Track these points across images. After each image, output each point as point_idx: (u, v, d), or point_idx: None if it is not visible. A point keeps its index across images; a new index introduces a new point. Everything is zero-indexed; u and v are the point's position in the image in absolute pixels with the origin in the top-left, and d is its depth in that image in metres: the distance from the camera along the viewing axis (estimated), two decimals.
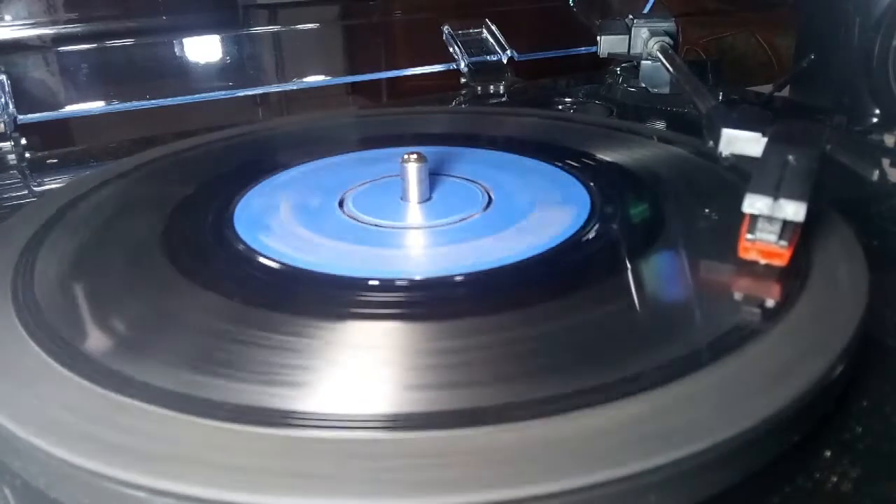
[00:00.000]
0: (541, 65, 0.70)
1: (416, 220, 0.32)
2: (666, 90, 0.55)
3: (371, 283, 0.27)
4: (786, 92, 0.59)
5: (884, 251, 0.33)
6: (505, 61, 0.67)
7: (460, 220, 0.32)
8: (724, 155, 0.30)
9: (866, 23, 0.51)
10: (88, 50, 0.57)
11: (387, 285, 0.27)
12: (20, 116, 0.53)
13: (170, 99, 0.58)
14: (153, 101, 0.57)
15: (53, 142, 0.54)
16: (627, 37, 0.55)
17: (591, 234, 0.30)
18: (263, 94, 0.66)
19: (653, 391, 0.20)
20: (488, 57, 0.67)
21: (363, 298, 0.26)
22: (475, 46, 0.67)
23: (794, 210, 0.25)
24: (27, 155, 0.50)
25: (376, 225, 0.31)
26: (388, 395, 0.21)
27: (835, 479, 0.20)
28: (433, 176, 0.35)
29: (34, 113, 0.53)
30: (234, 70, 0.63)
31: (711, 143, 0.31)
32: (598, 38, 0.57)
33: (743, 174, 0.29)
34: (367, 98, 0.73)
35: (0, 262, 0.29)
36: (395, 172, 0.34)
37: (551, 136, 0.44)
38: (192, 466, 0.18)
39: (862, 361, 0.23)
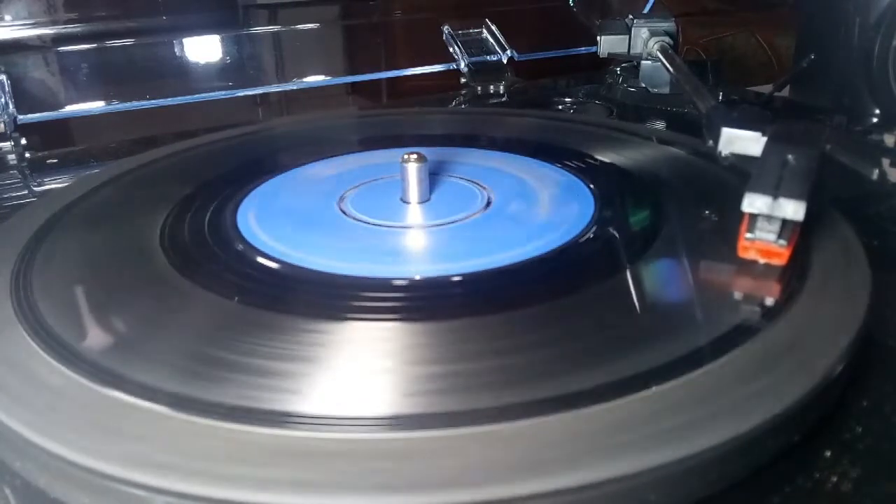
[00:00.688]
0: (541, 65, 0.70)
1: (416, 220, 0.32)
2: (666, 90, 0.55)
3: (371, 283, 0.27)
4: (786, 92, 0.59)
5: (884, 251, 0.33)
6: (505, 61, 0.67)
7: (460, 221, 0.32)
8: (723, 154, 0.30)
9: (866, 23, 0.51)
10: (88, 50, 0.57)
11: (386, 285, 0.27)
12: (20, 116, 0.53)
13: (170, 99, 0.58)
14: (153, 101, 0.57)
15: (53, 142, 0.54)
16: (627, 37, 0.56)
17: (591, 235, 0.30)
18: (263, 94, 0.66)
19: (652, 391, 0.20)
20: (488, 57, 0.67)
21: (363, 298, 0.26)
22: (475, 46, 0.67)
23: (794, 209, 0.25)
24: (27, 155, 0.50)
25: (376, 225, 0.31)
26: (387, 395, 0.21)
27: (835, 479, 0.20)
28: (433, 176, 0.35)
29: (34, 113, 0.54)
30: (234, 70, 0.63)
31: (711, 142, 0.31)
32: (598, 38, 0.57)
33: (742, 174, 0.29)
34: (367, 98, 0.73)
35: (0, 261, 0.29)
36: (394, 173, 0.34)
37: (551, 136, 0.44)
38: (192, 465, 0.18)
39: (862, 361, 0.23)
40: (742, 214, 0.26)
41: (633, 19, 0.55)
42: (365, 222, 0.32)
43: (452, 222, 0.31)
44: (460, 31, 0.68)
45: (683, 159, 0.38)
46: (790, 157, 0.27)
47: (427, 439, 0.19)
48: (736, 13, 0.88)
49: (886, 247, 0.33)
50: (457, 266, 0.27)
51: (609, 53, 0.57)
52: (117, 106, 0.56)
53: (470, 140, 0.43)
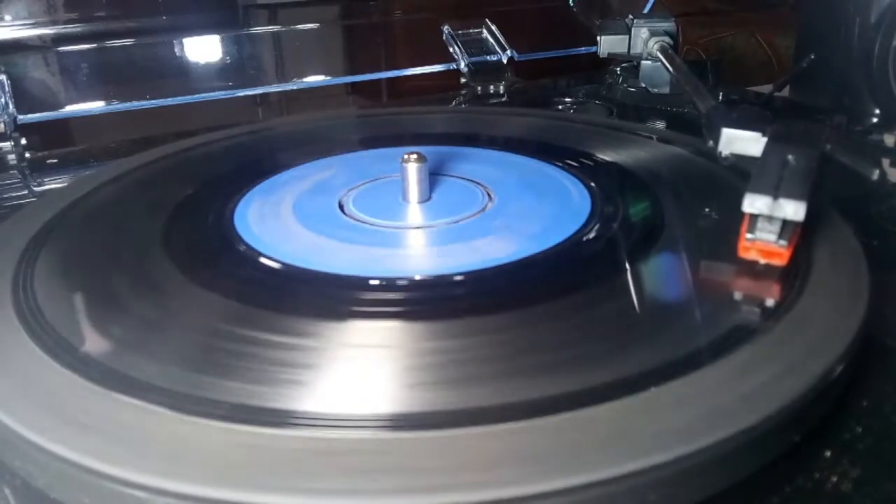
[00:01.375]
0: (541, 65, 0.70)
1: (416, 220, 0.32)
2: (666, 90, 0.55)
3: (371, 282, 0.27)
4: (786, 92, 0.59)
5: (884, 251, 0.33)
6: (505, 61, 0.67)
7: (460, 220, 0.32)
8: (723, 154, 0.30)
9: (866, 23, 0.51)
10: (88, 50, 0.57)
11: (387, 285, 0.27)
12: (20, 116, 0.53)
13: (170, 99, 0.58)
14: (153, 101, 0.57)
15: (53, 142, 0.54)
16: (627, 37, 0.56)
17: (591, 234, 0.30)
18: (263, 94, 0.66)
19: (652, 391, 0.20)
20: (488, 57, 0.67)
21: (363, 298, 0.26)
22: (475, 46, 0.67)
23: (794, 209, 0.25)
24: (27, 155, 0.50)
25: (376, 225, 0.31)
26: (387, 394, 0.21)
27: (835, 479, 0.20)
28: (433, 176, 0.35)
29: (34, 113, 0.53)
30: (234, 70, 0.63)
31: (711, 142, 0.31)
32: (598, 38, 0.57)
33: (743, 174, 0.29)
34: (367, 98, 0.73)
35: (0, 262, 0.29)
36: (395, 172, 0.34)
37: (551, 136, 0.44)
38: (192, 466, 0.18)
39: (862, 361, 0.23)
40: (742, 214, 0.26)
41: (633, 19, 0.55)
42: (365, 222, 0.32)
43: (452, 222, 0.31)
44: (460, 31, 0.68)
45: (684, 159, 0.38)
46: (790, 157, 0.27)
47: (427, 439, 0.19)
48: (736, 13, 0.88)
49: (886, 247, 0.33)
50: (457, 266, 0.27)
51: (609, 53, 0.57)
52: (117, 106, 0.56)
53: (470, 140, 0.43)
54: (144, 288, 0.27)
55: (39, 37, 0.56)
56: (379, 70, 0.70)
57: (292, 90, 0.66)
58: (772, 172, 0.26)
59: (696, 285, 0.27)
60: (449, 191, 0.35)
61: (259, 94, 0.65)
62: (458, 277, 0.27)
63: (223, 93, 0.61)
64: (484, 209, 0.33)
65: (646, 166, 0.37)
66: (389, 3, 0.71)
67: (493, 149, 0.41)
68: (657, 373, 0.21)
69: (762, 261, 0.26)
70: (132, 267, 0.29)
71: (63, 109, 0.56)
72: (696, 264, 0.28)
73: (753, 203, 0.26)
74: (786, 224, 0.26)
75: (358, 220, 0.32)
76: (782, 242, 0.26)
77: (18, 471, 0.20)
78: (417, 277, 0.27)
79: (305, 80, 0.65)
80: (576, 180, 0.35)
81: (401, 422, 0.20)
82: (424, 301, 0.26)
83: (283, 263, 0.28)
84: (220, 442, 0.19)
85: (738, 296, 0.26)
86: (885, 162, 0.44)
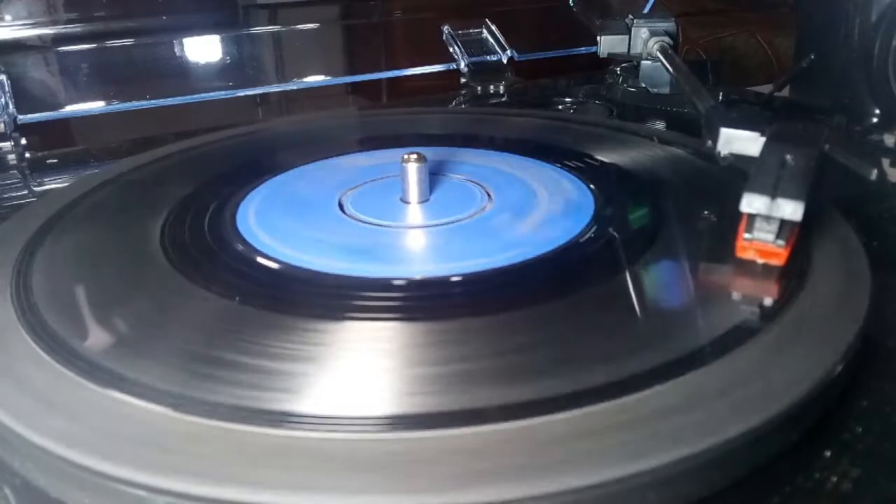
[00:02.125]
0: (541, 65, 0.70)
1: (416, 220, 0.32)
2: (666, 90, 0.55)
3: (370, 283, 0.27)
4: (786, 92, 0.59)
5: (884, 251, 0.33)
6: (505, 61, 0.67)
7: (460, 221, 0.32)
8: (722, 154, 0.30)
9: (866, 23, 0.51)
10: (88, 50, 0.57)
11: (386, 285, 0.27)
12: (20, 116, 0.53)
13: (170, 99, 0.58)
14: (153, 101, 0.57)
15: (53, 142, 0.54)
16: (627, 37, 0.55)
17: (591, 235, 0.30)
18: (263, 94, 0.66)
19: (652, 391, 0.20)
20: (488, 57, 0.67)
21: (363, 298, 0.26)
22: (475, 46, 0.67)
23: (792, 209, 0.25)
24: (27, 155, 0.50)
25: (376, 225, 0.31)
26: (386, 395, 0.21)
27: (835, 479, 0.20)
28: (433, 176, 0.35)
29: (34, 113, 0.53)
30: (234, 70, 0.63)
31: (710, 142, 0.31)
32: (598, 38, 0.57)
33: (742, 174, 0.29)
34: (367, 98, 0.73)
35: (0, 261, 0.29)
36: (394, 173, 0.34)
37: (551, 136, 0.44)
38: (192, 465, 0.18)
39: (862, 361, 0.23)
40: (740, 214, 0.26)
41: (633, 19, 0.55)
42: (365, 222, 0.32)
43: (452, 222, 0.31)
44: (460, 31, 0.68)
45: (683, 159, 0.38)
46: (788, 157, 0.27)
47: (426, 439, 0.19)
48: (736, 13, 0.88)
49: (886, 247, 0.33)
50: (456, 266, 0.27)
51: (609, 53, 0.57)
52: (117, 106, 0.56)
53: (470, 140, 0.43)
54: (144, 288, 0.27)
55: (39, 37, 0.56)
56: (379, 70, 0.70)
57: (292, 90, 0.66)
58: (770, 172, 0.26)
59: (694, 285, 0.27)
60: (449, 191, 0.35)
61: (259, 94, 0.65)
62: (457, 278, 0.27)
63: (223, 93, 0.61)
64: (483, 209, 0.33)
65: (645, 166, 0.37)
66: (389, 3, 0.71)
67: (493, 149, 0.41)
68: (657, 373, 0.21)
69: (760, 261, 0.26)
70: (132, 267, 0.29)
71: (63, 109, 0.56)
72: (694, 264, 0.28)
73: (751, 203, 0.26)
74: (784, 224, 0.26)
75: (358, 220, 0.32)
76: (780, 242, 0.26)
77: (18, 471, 0.20)
78: (417, 278, 0.27)
79: (305, 80, 0.65)
80: (576, 181, 0.35)
81: (400, 422, 0.20)
82: (423, 301, 0.26)
83: (282, 263, 0.28)
84: (220, 442, 0.19)
85: (736, 296, 0.26)
86: (885, 162, 0.44)
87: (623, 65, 0.61)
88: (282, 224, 0.32)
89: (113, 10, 0.59)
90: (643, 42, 0.55)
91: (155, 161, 0.40)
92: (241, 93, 0.62)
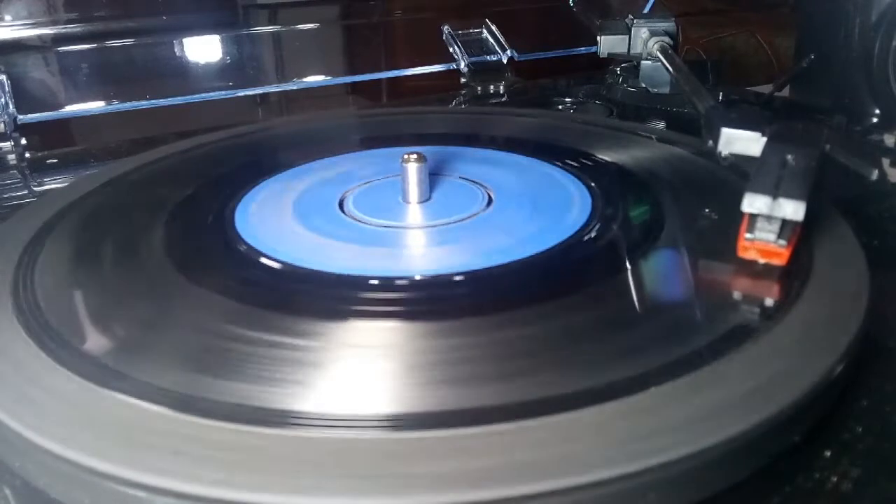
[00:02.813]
0: (541, 65, 0.70)
1: (416, 220, 0.32)
2: (666, 90, 0.55)
3: (371, 282, 0.27)
4: (786, 92, 0.59)
5: (884, 251, 0.33)
6: (505, 61, 0.67)
7: (460, 220, 0.32)
8: (723, 154, 0.30)
9: (866, 23, 0.51)
10: (88, 50, 0.57)
11: (387, 285, 0.27)
12: (20, 116, 0.53)
13: (170, 99, 0.58)
14: (153, 101, 0.57)
15: (53, 142, 0.54)
16: (627, 37, 0.55)
17: (591, 234, 0.30)
18: (263, 94, 0.66)
19: (652, 391, 0.20)
20: (488, 57, 0.67)
21: (363, 298, 0.26)
22: (475, 46, 0.67)
23: (793, 209, 0.25)
24: (27, 155, 0.50)
25: (376, 225, 0.31)
26: (388, 394, 0.21)
27: (835, 479, 0.20)
28: (433, 176, 0.35)
29: (34, 113, 0.54)
30: (234, 70, 0.63)
31: (711, 142, 0.31)
32: (598, 38, 0.57)
33: (742, 173, 0.29)
34: (367, 98, 0.73)
35: (0, 262, 0.29)
36: (394, 172, 0.34)
37: (551, 136, 0.44)
38: (192, 466, 0.18)
39: (862, 361, 0.23)
40: (742, 214, 0.26)
41: (633, 19, 0.55)
42: (365, 222, 0.32)
43: (453, 222, 0.31)
44: (460, 31, 0.68)
45: (683, 159, 0.38)
46: (789, 157, 0.27)
47: (426, 439, 0.19)
48: (736, 13, 0.88)
49: (886, 247, 0.33)
50: (457, 265, 0.27)
51: (609, 53, 0.57)
52: (117, 106, 0.56)
53: (470, 140, 0.43)
54: (144, 288, 0.27)
55: (39, 37, 0.56)
56: (379, 70, 0.70)
57: (292, 90, 0.66)
58: (771, 172, 0.26)
59: (695, 285, 0.27)
60: (449, 191, 0.35)
61: (259, 94, 0.65)
62: (458, 277, 0.27)
63: (223, 93, 0.61)
64: (484, 209, 0.33)
65: (645, 166, 0.37)
66: (389, 3, 0.71)
67: (493, 149, 0.41)
68: (657, 373, 0.21)
69: (761, 260, 0.26)
70: (132, 267, 0.29)
71: (63, 109, 0.56)
72: (695, 264, 0.28)
73: (753, 203, 0.26)
74: (785, 224, 0.26)
75: (358, 220, 0.32)
76: (781, 242, 0.26)
77: (18, 471, 0.20)
78: (417, 277, 0.27)
79: (305, 80, 0.65)
80: (576, 180, 0.35)
81: (400, 422, 0.20)
82: (424, 301, 0.26)
83: (283, 263, 0.28)
84: (220, 442, 0.19)
85: (737, 296, 0.26)
86: (886, 162, 0.45)
87: (623, 65, 0.61)
88: (282, 224, 0.32)
89: (113, 10, 0.59)
90: (643, 42, 0.55)
91: (155, 161, 0.40)
92: (241, 93, 0.62)
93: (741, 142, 0.30)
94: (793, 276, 0.26)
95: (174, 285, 0.27)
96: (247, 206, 0.34)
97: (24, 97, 0.53)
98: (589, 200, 0.33)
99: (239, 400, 0.20)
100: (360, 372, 0.22)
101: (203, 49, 0.61)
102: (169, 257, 0.29)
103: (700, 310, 0.25)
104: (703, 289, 0.27)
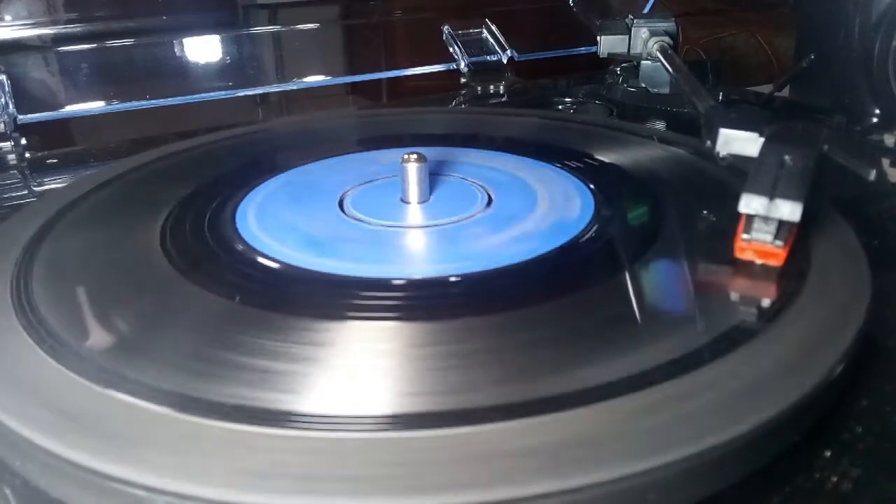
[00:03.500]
0: (541, 65, 0.70)
1: (416, 220, 0.32)
2: (666, 90, 0.55)
3: (370, 283, 0.27)
4: (786, 92, 0.59)
5: (884, 251, 0.33)
6: (505, 61, 0.67)
7: (460, 221, 0.32)
8: (721, 155, 0.30)
9: (866, 23, 0.51)
10: (88, 50, 0.57)
11: (386, 285, 0.27)
12: (20, 116, 0.53)
13: (170, 99, 0.58)
14: (153, 101, 0.57)
15: (53, 142, 0.54)
16: (627, 37, 0.55)
17: (591, 235, 0.30)
18: (263, 94, 0.66)
19: (652, 391, 0.20)
20: (488, 57, 0.67)
21: (363, 298, 0.26)
22: (475, 46, 0.68)
23: (790, 210, 0.25)
24: (27, 155, 0.50)
25: (376, 225, 0.31)
26: (387, 395, 0.21)
27: (835, 479, 0.20)
28: (433, 176, 0.35)
29: (34, 113, 0.54)
30: (234, 70, 0.63)
31: (709, 142, 0.31)
32: (598, 38, 0.57)
33: (741, 174, 0.29)
34: (367, 98, 0.73)
35: (0, 261, 0.29)
36: (394, 173, 0.34)
37: (551, 136, 0.44)
38: (193, 466, 0.18)
39: (862, 361, 0.23)
40: (739, 215, 0.26)
41: (633, 19, 0.55)
42: (365, 222, 0.32)
43: (452, 222, 0.31)
44: (460, 31, 0.68)
45: (682, 159, 0.38)
46: (787, 157, 0.27)
47: (427, 439, 0.19)
48: (736, 13, 0.88)
49: (886, 247, 0.33)
50: (456, 266, 0.28)
51: (609, 53, 0.57)
52: (117, 106, 0.56)
53: (470, 140, 0.43)
54: (144, 287, 0.27)
55: (39, 37, 0.56)
56: (379, 70, 0.70)
57: (292, 90, 0.66)
58: (768, 173, 0.26)
59: (693, 286, 0.27)
60: (449, 191, 0.35)
61: (259, 94, 0.65)
62: (457, 278, 0.27)
63: (223, 93, 0.61)
64: (483, 210, 0.33)
65: (645, 166, 0.37)
66: (389, 3, 0.71)
67: (493, 149, 0.41)
68: (657, 373, 0.21)
69: (758, 261, 0.26)
70: (132, 267, 0.29)
71: (63, 109, 0.56)
72: (693, 265, 0.28)
73: (750, 203, 0.26)
74: (782, 224, 0.26)
75: (358, 220, 0.32)
76: (778, 243, 0.26)
77: (18, 471, 0.20)
78: (417, 278, 0.27)
79: (305, 80, 0.65)
80: (575, 181, 0.35)
81: (400, 422, 0.20)
82: (424, 301, 0.26)
83: (282, 263, 0.28)
84: (221, 442, 0.19)
85: (734, 296, 0.26)
86: (885, 162, 0.45)
87: (623, 65, 0.61)
88: (282, 224, 0.32)
89: (113, 10, 0.59)
90: (643, 42, 0.55)
91: (155, 161, 0.40)
92: (241, 93, 0.62)
93: (739, 142, 0.30)
94: (790, 276, 0.26)
95: (174, 285, 0.27)
96: (247, 207, 0.34)
97: (24, 97, 0.53)
98: (588, 201, 0.33)
99: (238, 400, 0.20)
100: (359, 372, 0.22)
101: (203, 49, 0.61)
102: (168, 257, 0.29)
103: (698, 310, 0.25)
104: (701, 289, 0.27)
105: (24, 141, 0.51)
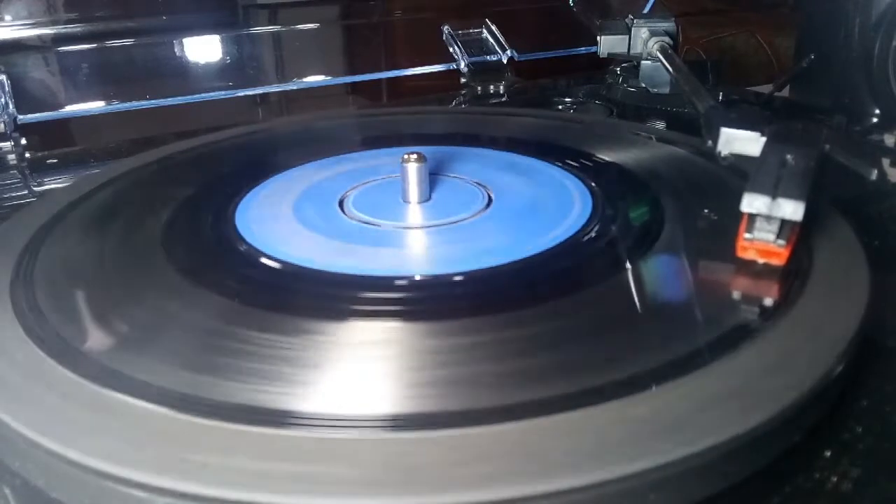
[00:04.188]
0: (541, 65, 0.70)
1: (416, 220, 0.32)
2: (666, 90, 0.55)
3: (371, 282, 0.27)
4: (786, 92, 0.59)
5: (884, 251, 0.33)
6: (505, 61, 0.67)
7: (460, 221, 0.32)
8: (722, 154, 0.30)
9: (866, 23, 0.51)
10: (88, 50, 0.57)
11: (387, 285, 0.27)
12: (20, 116, 0.53)
13: (170, 99, 0.58)
14: (153, 101, 0.57)
15: (53, 142, 0.54)
16: (627, 37, 0.55)
17: (591, 234, 0.30)
18: (263, 94, 0.66)
19: (652, 391, 0.20)
20: (488, 57, 0.67)
21: (363, 298, 0.26)
22: (475, 46, 0.68)
23: (793, 209, 0.25)
24: (27, 155, 0.50)
25: (376, 225, 0.31)
26: (388, 394, 0.21)
27: (835, 479, 0.20)
28: (433, 176, 0.35)
29: (34, 113, 0.53)
30: (234, 70, 0.63)
31: (710, 142, 0.31)
32: (598, 38, 0.57)
33: (742, 173, 0.29)
34: (367, 98, 0.73)
35: (1, 261, 0.29)
36: (395, 173, 0.34)
37: (551, 136, 0.44)
38: (193, 466, 0.18)
39: (862, 361, 0.23)
40: (741, 214, 0.26)
41: (633, 19, 0.55)
42: (365, 222, 0.32)
43: (453, 222, 0.31)
44: (460, 31, 0.68)
45: (683, 159, 0.38)
46: (789, 157, 0.27)
47: (427, 439, 0.19)
48: (736, 13, 0.88)
49: (886, 247, 0.33)
50: (457, 266, 0.27)
51: (609, 53, 0.57)
52: (117, 106, 0.56)
53: (470, 140, 0.43)
54: (144, 288, 0.27)
55: (39, 37, 0.56)
56: (379, 70, 0.70)
57: (292, 90, 0.66)
58: (770, 172, 0.26)
59: (694, 285, 0.27)
60: (449, 191, 0.35)
61: (259, 94, 0.65)
62: (458, 278, 0.27)
63: (223, 93, 0.61)
64: (484, 209, 0.33)
65: (645, 166, 0.37)
66: (389, 3, 0.71)
67: (493, 149, 0.41)
68: (657, 372, 0.21)
69: (760, 260, 0.26)
70: (132, 267, 0.29)
71: (63, 109, 0.56)
72: (694, 264, 0.28)
73: (752, 203, 0.26)
74: (784, 224, 0.26)
75: (358, 220, 0.32)
76: (780, 242, 0.26)
77: (18, 471, 0.20)
78: (417, 277, 0.27)
79: (305, 80, 0.65)
80: (576, 180, 0.35)
81: (401, 422, 0.20)
82: (424, 301, 0.26)
83: (283, 263, 0.28)
84: (221, 442, 0.19)
85: (736, 296, 0.25)
86: (886, 162, 0.45)
87: (623, 65, 0.61)
88: (282, 224, 0.32)
89: (113, 10, 0.59)
90: (643, 42, 0.55)
91: (155, 161, 0.40)
92: (241, 93, 0.62)
93: (740, 142, 0.30)
94: (793, 275, 0.26)
95: (174, 285, 0.27)
96: (247, 206, 0.34)
97: (24, 97, 0.53)
98: (589, 201, 0.33)
99: (238, 400, 0.20)
100: (359, 372, 0.22)
101: (203, 49, 0.61)
102: (169, 257, 0.29)
103: (699, 310, 0.25)
104: (703, 289, 0.27)
105: (24, 141, 0.51)
